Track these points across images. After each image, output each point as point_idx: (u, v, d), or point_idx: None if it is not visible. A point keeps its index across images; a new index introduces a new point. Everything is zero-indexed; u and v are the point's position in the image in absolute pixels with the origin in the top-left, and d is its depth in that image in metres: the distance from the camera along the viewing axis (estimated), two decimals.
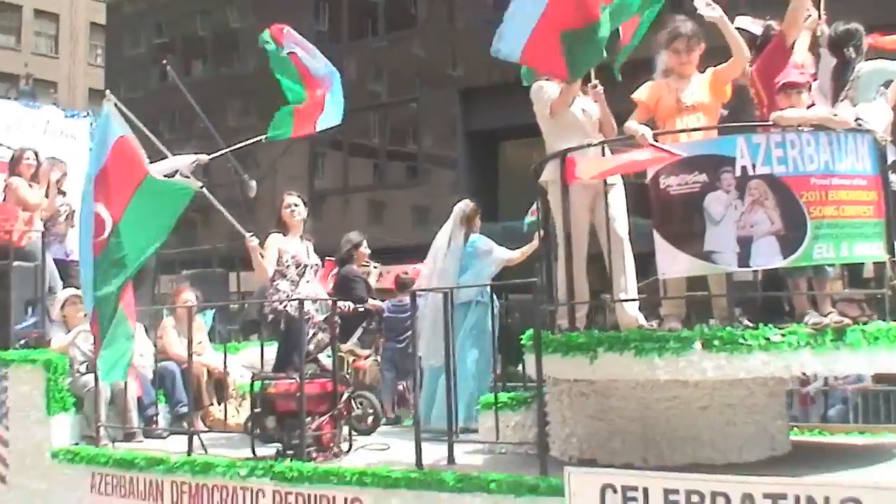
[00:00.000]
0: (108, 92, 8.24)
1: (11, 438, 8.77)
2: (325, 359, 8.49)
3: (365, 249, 9.89)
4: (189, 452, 7.55)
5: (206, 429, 8.73)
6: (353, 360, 9.04)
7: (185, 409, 8.97)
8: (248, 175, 7.77)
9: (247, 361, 10.24)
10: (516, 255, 8.94)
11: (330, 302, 8.18)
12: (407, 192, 26.77)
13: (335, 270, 9.73)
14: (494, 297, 8.78)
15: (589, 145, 6.34)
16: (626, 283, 6.39)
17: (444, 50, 25.22)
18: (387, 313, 9.81)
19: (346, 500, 6.50)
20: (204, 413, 9.25)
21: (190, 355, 7.96)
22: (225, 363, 8.24)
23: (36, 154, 9.97)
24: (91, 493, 8.06)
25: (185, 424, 8.72)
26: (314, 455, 7.01)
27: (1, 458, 8.85)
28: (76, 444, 8.49)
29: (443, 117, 24.16)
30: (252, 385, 7.81)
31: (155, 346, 9.48)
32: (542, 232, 7.12)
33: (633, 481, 5.46)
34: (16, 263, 9.16)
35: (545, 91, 6.72)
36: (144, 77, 30.73)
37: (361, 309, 9.18)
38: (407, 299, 10.31)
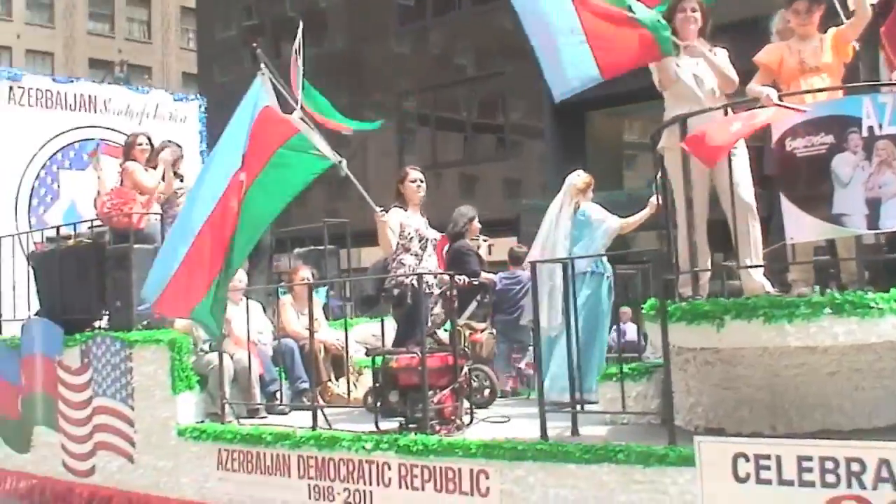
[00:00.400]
0: (263, 65, 8.19)
1: (137, 418, 9.03)
2: (442, 333, 8.59)
3: (477, 224, 9.92)
4: (314, 427, 7.68)
5: (327, 404, 8.90)
6: (470, 334, 9.09)
7: (305, 385, 9.15)
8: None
9: (360, 337, 10.38)
10: (631, 222, 8.88)
11: (447, 276, 8.25)
12: (496, 165, 26.83)
13: (447, 246, 9.77)
14: (608, 266, 8.76)
15: (709, 109, 6.23)
16: (753, 249, 6.29)
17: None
18: (499, 286, 9.84)
19: (471, 472, 6.55)
20: (322, 389, 9.39)
21: (311, 333, 8.09)
22: (347, 340, 8.30)
23: (149, 138, 10.20)
24: (218, 470, 8.26)
25: (304, 400, 8.96)
26: (437, 428, 7.07)
27: (127, 437, 9.12)
28: (201, 421, 8.70)
29: (529, 90, 24.01)
30: (373, 360, 7.90)
31: (273, 323, 9.66)
32: (658, 199, 7.09)
33: (766, 449, 5.40)
34: (136, 246, 9.39)
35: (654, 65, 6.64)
36: (237, 60, 31.06)
37: (476, 283, 9.21)
38: (519, 271, 10.39)
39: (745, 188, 6.37)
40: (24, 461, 10.53)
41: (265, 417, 8.74)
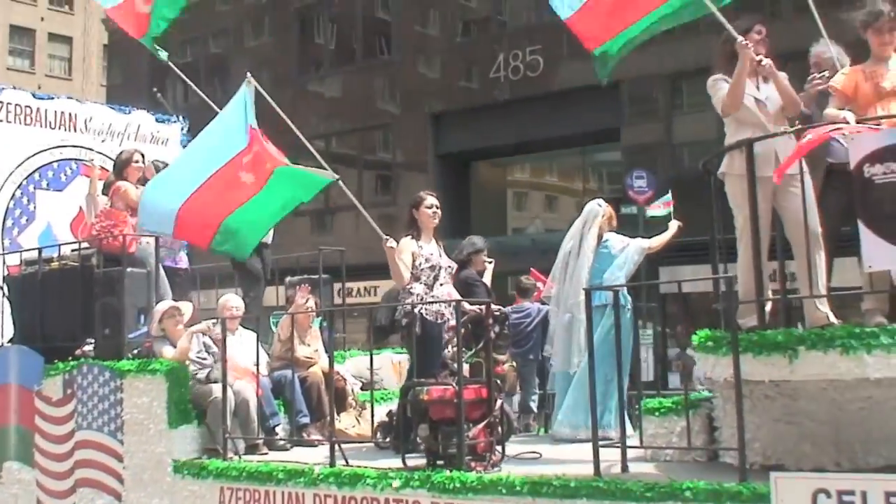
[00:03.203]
0: (249, 74, 8.06)
1: (126, 453, 8.45)
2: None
3: (484, 257, 9.57)
4: (332, 464, 7.19)
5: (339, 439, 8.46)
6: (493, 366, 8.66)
7: (305, 420, 8.70)
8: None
9: (354, 371, 9.96)
10: (655, 245, 8.61)
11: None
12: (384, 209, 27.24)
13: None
14: (629, 298, 8.46)
15: (775, 134, 5.99)
16: (818, 277, 6.02)
17: (415, 77, 26.85)
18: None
19: None
20: (323, 424, 8.91)
21: (331, 364, 7.68)
22: (373, 368, 7.89)
23: (143, 156, 9.70)
24: None
25: (304, 435, 8.50)
26: (472, 465, 6.63)
27: (115, 474, 8.53)
28: (198, 457, 8.17)
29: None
30: (401, 392, 7.49)
31: (269, 354, 9.19)
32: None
33: (850, 485, 5.08)
34: (129, 270, 8.86)
35: (718, 89, 6.40)
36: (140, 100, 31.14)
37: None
38: (527, 304, 10.05)
39: (812, 215, 6.12)
40: None
41: (266, 454, 8.22)
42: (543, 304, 10.34)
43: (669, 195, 9.37)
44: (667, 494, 5.58)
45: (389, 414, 8.35)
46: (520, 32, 25.25)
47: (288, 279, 10.72)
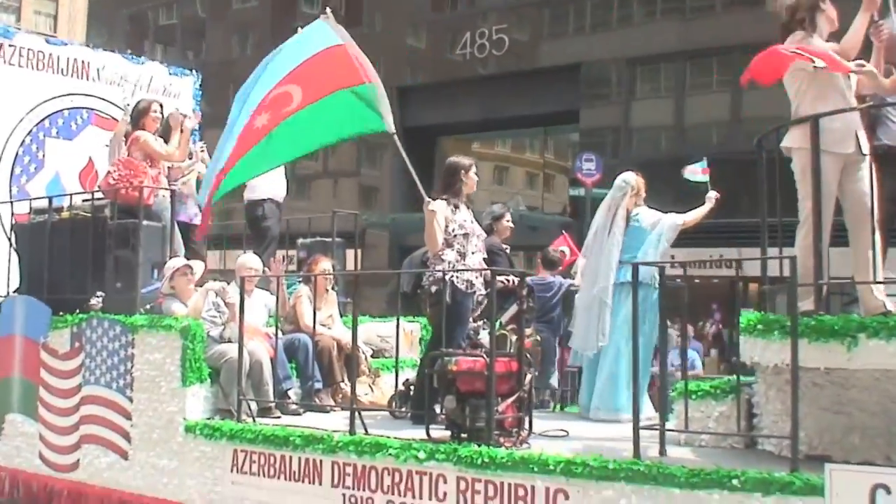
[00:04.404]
0: (328, 9, 7.78)
1: (135, 411, 8.20)
2: (484, 336, 7.96)
3: (508, 222, 9.29)
4: (351, 431, 6.95)
5: (341, 406, 8.24)
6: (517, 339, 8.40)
7: (318, 385, 8.49)
8: None
9: (365, 338, 9.70)
10: (689, 220, 8.31)
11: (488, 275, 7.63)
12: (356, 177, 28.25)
13: None
14: (657, 277, 8.19)
15: (851, 109, 5.72)
16: (876, 263, 5.77)
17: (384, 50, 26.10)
18: None
19: (547, 490, 5.88)
20: (334, 390, 8.69)
21: (355, 333, 7.42)
22: (384, 336, 7.63)
23: (161, 106, 9.38)
24: (232, 473, 7.49)
25: (316, 400, 8.28)
26: (500, 440, 6.40)
27: (122, 431, 8.29)
28: (209, 418, 7.92)
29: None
30: (423, 361, 7.23)
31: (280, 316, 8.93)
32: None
33: None
34: (145, 223, 8.57)
35: (811, 45, 6.03)
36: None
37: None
38: (550, 277, 9.79)
39: (871, 197, 5.86)
40: None
41: (279, 417, 7.98)
42: (565, 277, 10.12)
43: (705, 161, 8.86)
44: (713, 482, 5.34)
45: (406, 383, 8.12)
46: (488, 11, 25.12)
47: (300, 241, 10.46)
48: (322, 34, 7.59)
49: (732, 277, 15.03)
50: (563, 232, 11.00)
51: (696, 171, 8.65)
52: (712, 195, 8.47)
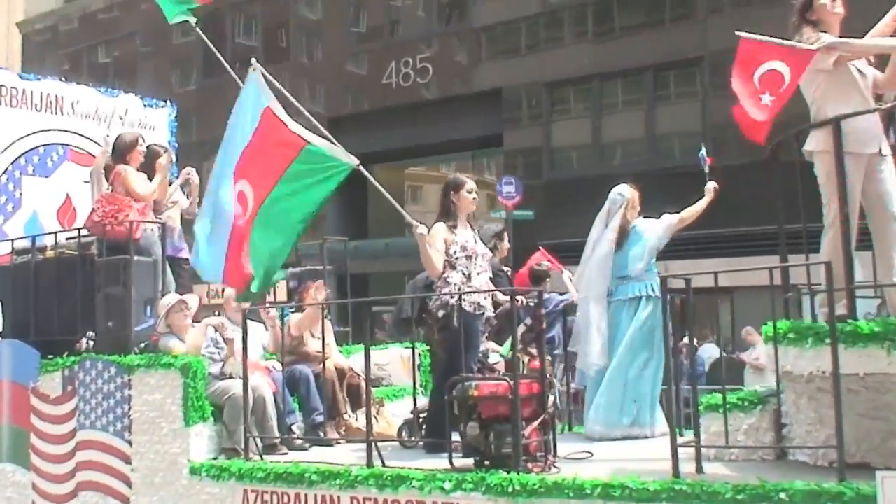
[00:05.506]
0: (253, 60, 7.59)
1: (135, 454, 7.93)
2: (493, 359, 7.82)
3: (506, 243, 9.14)
4: (369, 464, 6.73)
5: (345, 438, 8.05)
6: (529, 360, 8.22)
7: (320, 419, 8.24)
8: None
9: (357, 366, 9.49)
10: (687, 216, 8.15)
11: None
12: None
13: None
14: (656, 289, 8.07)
15: (875, 109, 5.63)
16: None
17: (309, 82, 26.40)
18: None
19: None
20: (338, 423, 8.45)
21: (368, 360, 7.19)
22: (369, 365, 7.42)
23: (143, 140, 9.14)
24: None
25: (320, 434, 8.06)
26: (528, 466, 6.21)
27: (122, 477, 8.00)
28: (214, 458, 7.67)
29: None
30: (438, 387, 7.06)
31: (264, 348, 8.72)
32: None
33: None
34: (135, 259, 8.31)
35: (821, 39, 5.92)
36: None
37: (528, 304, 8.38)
38: (545, 294, 9.62)
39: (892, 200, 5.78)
40: None
41: (286, 453, 7.73)
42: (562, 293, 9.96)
43: (704, 149, 8.58)
44: (759, 496, 5.20)
45: (415, 411, 7.90)
46: (409, 41, 25.33)
47: (290, 270, 10.23)
48: (254, 96, 7.45)
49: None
50: (540, 247, 10.83)
51: (704, 160, 8.37)
52: (711, 186, 8.31)
